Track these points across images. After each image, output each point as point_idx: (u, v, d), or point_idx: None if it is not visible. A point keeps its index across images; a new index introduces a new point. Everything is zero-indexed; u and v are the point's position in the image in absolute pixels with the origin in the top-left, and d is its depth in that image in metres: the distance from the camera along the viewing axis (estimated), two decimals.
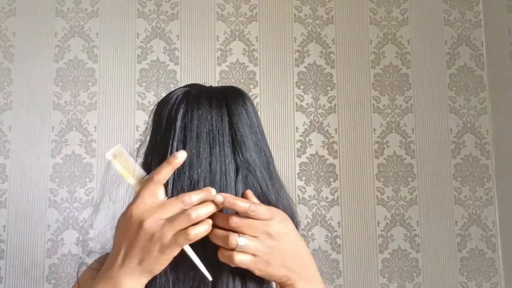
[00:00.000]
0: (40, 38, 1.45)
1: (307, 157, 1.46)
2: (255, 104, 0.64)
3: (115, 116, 1.44)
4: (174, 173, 0.55)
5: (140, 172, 0.55)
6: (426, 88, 1.53)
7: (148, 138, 0.64)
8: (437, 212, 1.48)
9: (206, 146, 0.57)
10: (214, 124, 0.58)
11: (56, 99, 1.43)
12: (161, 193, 0.52)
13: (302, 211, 1.44)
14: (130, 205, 0.52)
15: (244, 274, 0.55)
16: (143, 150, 0.65)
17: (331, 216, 1.45)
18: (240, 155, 0.58)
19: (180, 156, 0.53)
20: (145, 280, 0.52)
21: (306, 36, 1.53)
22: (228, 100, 0.60)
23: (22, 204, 1.38)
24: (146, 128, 0.65)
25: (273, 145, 1.44)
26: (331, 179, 1.47)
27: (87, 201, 1.39)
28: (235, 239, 0.51)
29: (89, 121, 1.43)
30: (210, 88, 0.64)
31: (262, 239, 0.52)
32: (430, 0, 1.57)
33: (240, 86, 1.49)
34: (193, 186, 0.56)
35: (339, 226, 1.44)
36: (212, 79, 1.48)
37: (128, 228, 0.51)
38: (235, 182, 0.57)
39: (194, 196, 0.51)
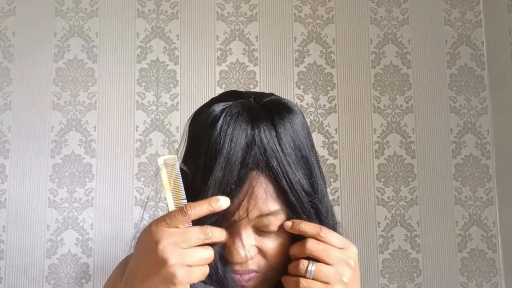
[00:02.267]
0: (40, 38, 1.45)
1: None
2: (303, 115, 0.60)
3: (114, 116, 1.44)
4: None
5: (182, 194, 0.51)
6: (426, 88, 1.53)
7: (183, 148, 0.60)
8: (438, 212, 1.47)
9: None
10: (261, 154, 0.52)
11: (56, 99, 1.43)
12: (187, 226, 0.49)
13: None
14: (155, 221, 0.49)
15: None
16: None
17: None
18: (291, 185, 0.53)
19: (223, 203, 0.49)
20: None
21: (306, 36, 1.52)
22: (276, 126, 0.53)
23: (22, 204, 1.38)
24: (183, 137, 0.61)
25: None
26: (331, 179, 1.46)
27: (86, 201, 1.39)
28: (305, 264, 0.49)
29: (89, 121, 1.43)
30: (253, 107, 0.56)
31: (339, 267, 0.50)
32: (431, 0, 1.57)
33: (240, 86, 1.49)
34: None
35: (339, 227, 1.44)
36: (212, 79, 1.48)
37: (145, 242, 0.49)
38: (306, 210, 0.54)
39: (216, 232, 0.49)
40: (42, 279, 1.35)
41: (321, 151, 1.47)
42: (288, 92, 1.49)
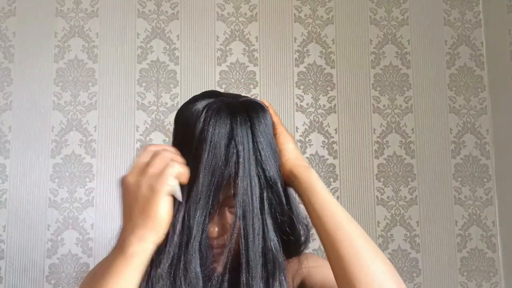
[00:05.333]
0: (40, 38, 1.45)
1: (307, 157, 1.46)
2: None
3: (115, 116, 1.44)
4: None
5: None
6: (426, 88, 1.53)
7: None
8: (437, 212, 1.48)
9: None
10: (240, 143, 0.58)
11: (56, 99, 1.43)
12: None
13: (302, 211, 1.44)
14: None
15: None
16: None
17: None
18: (264, 174, 0.59)
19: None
20: (151, 240, 0.53)
21: (306, 36, 1.53)
22: (252, 119, 0.61)
23: (22, 204, 1.38)
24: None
25: None
26: (331, 179, 1.47)
27: (87, 201, 1.39)
28: None
29: (89, 121, 1.43)
30: (232, 102, 0.63)
31: None
32: (430, 0, 1.57)
33: (240, 86, 1.50)
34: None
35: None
36: (212, 79, 1.48)
37: (121, 192, 0.57)
38: (260, 201, 0.58)
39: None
40: (43, 279, 1.35)
41: (321, 151, 1.48)
42: (288, 92, 1.49)
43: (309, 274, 0.68)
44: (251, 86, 1.49)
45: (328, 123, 1.49)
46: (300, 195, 0.63)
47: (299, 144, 1.47)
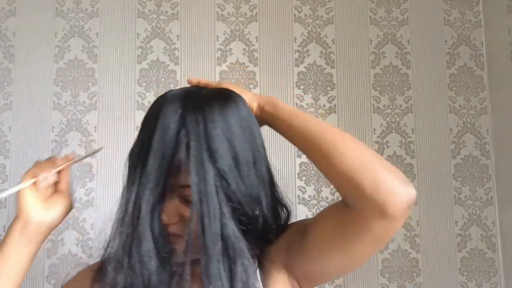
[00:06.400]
0: (40, 38, 1.45)
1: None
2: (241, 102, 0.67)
3: (115, 116, 1.44)
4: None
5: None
6: (426, 88, 1.53)
7: None
8: (437, 212, 1.48)
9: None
10: (191, 130, 0.60)
11: (56, 99, 1.43)
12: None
13: (302, 211, 1.44)
14: None
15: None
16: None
17: None
18: (214, 163, 0.59)
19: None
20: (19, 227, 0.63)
21: (306, 36, 1.53)
22: (205, 106, 0.62)
23: None
24: None
25: (273, 145, 1.44)
26: None
27: (87, 201, 1.39)
28: None
29: (89, 121, 1.43)
30: (189, 90, 0.67)
31: None
32: (430, 0, 1.57)
33: (240, 86, 1.49)
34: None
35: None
36: (212, 79, 1.48)
37: None
38: (215, 189, 0.59)
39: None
40: (43, 279, 1.35)
41: None
42: (288, 92, 1.49)
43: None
44: (251, 86, 1.49)
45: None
46: (278, 130, 0.67)
47: None
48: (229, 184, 0.59)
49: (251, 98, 0.68)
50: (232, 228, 0.59)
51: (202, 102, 0.62)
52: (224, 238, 0.58)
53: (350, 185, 0.56)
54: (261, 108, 0.68)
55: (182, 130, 0.59)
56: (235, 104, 0.64)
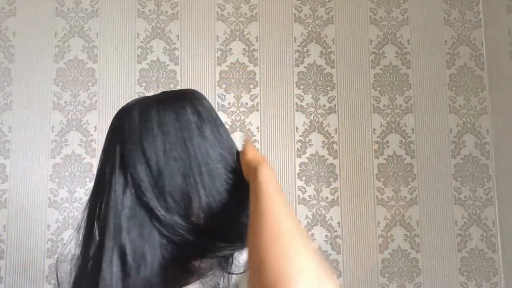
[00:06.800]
0: (40, 38, 1.45)
1: (307, 157, 1.46)
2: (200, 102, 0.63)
3: None
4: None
5: None
6: (426, 88, 1.53)
7: None
8: (437, 212, 1.48)
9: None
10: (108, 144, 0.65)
11: (56, 99, 1.43)
12: None
13: (302, 211, 1.44)
14: None
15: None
16: None
17: (331, 216, 1.45)
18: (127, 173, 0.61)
19: None
20: None
21: (306, 36, 1.53)
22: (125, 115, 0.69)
23: (22, 204, 1.38)
24: None
25: (273, 145, 1.43)
26: (331, 179, 1.47)
27: (87, 201, 1.39)
28: None
29: (89, 121, 1.43)
30: (139, 100, 0.70)
31: None
32: (430, 0, 1.57)
33: (240, 86, 1.50)
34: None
35: (339, 226, 1.44)
36: (212, 79, 1.48)
37: None
38: (122, 197, 0.60)
39: None
40: (43, 279, 1.35)
41: (321, 151, 1.48)
42: (288, 92, 1.49)
43: None
44: (251, 86, 1.48)
45: (328, 123, 1.49)
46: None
47: (299, 144, 1.47)
48: (146, 198, 0.61)
49: (247, 154, 0.62)
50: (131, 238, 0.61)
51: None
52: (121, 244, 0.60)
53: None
54: (247, 170, 0.60)
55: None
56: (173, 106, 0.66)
